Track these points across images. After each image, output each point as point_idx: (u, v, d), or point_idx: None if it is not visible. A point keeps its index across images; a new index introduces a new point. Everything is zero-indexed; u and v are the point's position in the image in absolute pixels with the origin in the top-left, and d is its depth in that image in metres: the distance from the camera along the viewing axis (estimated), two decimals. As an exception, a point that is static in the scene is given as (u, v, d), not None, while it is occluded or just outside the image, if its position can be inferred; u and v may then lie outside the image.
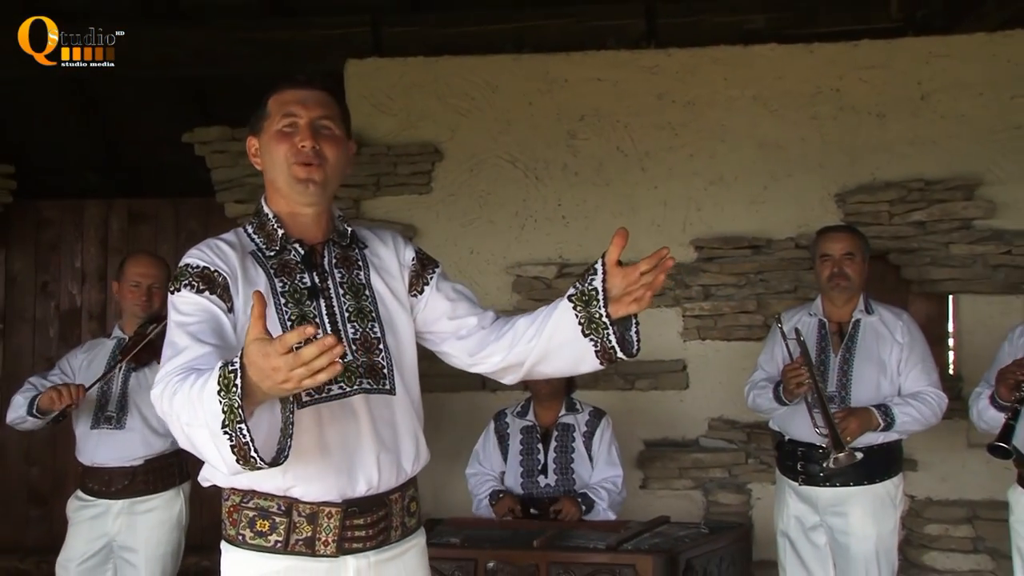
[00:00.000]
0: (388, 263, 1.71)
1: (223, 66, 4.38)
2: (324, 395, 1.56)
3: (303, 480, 1.54)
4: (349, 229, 1.71)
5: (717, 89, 3.94)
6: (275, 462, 1.38)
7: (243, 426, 1.32)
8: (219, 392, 1.32)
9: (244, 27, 4.31)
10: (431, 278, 1.73)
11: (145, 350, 2.88)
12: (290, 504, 1.56)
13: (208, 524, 4.35)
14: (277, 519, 1.56)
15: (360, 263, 1.69)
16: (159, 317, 2.94)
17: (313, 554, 1.56)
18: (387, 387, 1.62)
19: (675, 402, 3.90)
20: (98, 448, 2.91)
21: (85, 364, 3.01)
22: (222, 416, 1.32)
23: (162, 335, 2.82)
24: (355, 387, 1.58)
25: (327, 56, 4.14)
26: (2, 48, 4.01)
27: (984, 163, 3.79)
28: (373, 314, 1.65)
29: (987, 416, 2.76)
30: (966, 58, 3.81)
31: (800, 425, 2.94)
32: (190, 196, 4.46)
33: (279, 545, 1.55)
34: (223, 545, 1.60)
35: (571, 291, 1.58)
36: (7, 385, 4.40)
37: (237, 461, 1.35)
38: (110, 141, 5.16)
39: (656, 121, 3.97)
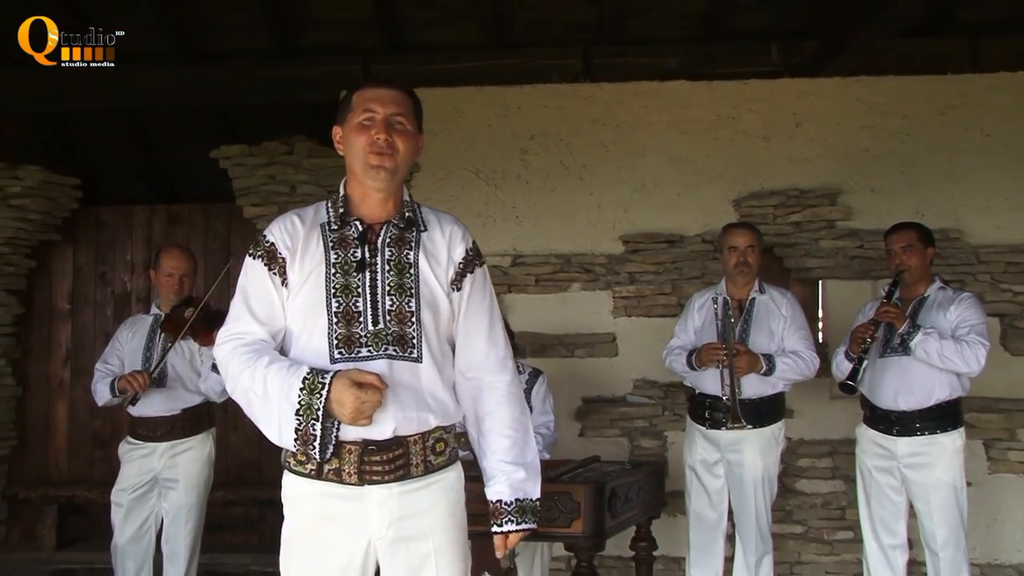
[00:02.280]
0: (439, 251, 1.55)
1: (244, 97, 4.33)
2: (353, 356, 1.48)
3: None
4: (408, 213, 1.56)
5: (639, 115, 3.92)
6: (323, 458, 1.44)
7: (317, 423, 1.40)
8: (302, 389, 1.41)
9: (260, 66, 4.25)
10: (466, 284, 1.56)
11: (179, 329, 2.88)
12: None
13: (231, 466, 4.31)
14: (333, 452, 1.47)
15: (413, 244, 1.54)
16: (191, 299, 2.96)
17: (341, 482, 1.47)
18: (414, 356, 1.49)
19: (607, 367, 3.86)
20: (147, 403, 2.91)
21: (130, 336, 3.03)
22: (297, 406, 1.41)
23: (199, 318, 2.77)
24: (380, 353, 1.48)
25: (326, 88, 4.06)
26: (72, 86, 4.11)
27: (843, 177, 3.80)
28: (412, 290, 1.51)
29: (843, 367, 2.87)
30: (828, 96, 3.82)
31: (709, 382, 2.98)
32: (217, 202, 4.40)
33: (313, 472, 1.48)
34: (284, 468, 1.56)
35: (497, 499, 1.55)
36: (76, 354, 4.46)
37: (296, 442, 1.42)
38: (155, 158, 5.11)
39: (591, 140, 3.93)
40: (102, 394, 2.93)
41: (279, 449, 3.71)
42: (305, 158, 3.96)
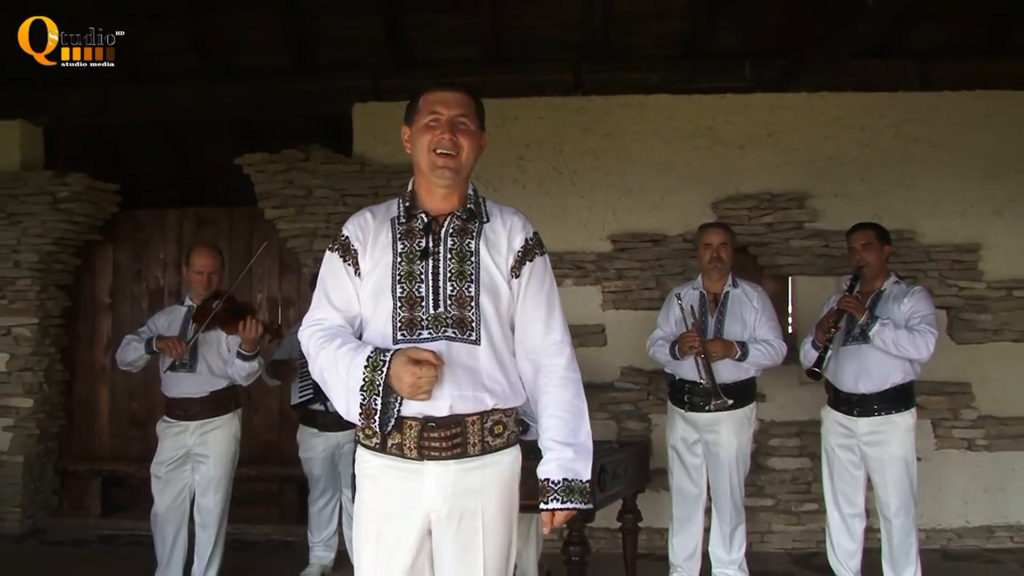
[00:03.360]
0: (499, 241, 1.49)
1: (265, 109, 4.29)
2: (414, 338, 1.44)
3: None
4: (470, 206, 1.51)
5: (626, 126, 3.90)
6: (383, 431, 1.42)
7: (378, 398, 1.38)
8: (365, 367, 1.39)
9: (281, 81, 4.21)
10: (524, 271, 1.48)
11: (211, 320, 2.87)
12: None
13: (254, 445, 4.30)
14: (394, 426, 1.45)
15: (475, 234, 1.48)
16: (219, 293, 2.95)
17: (403, 456, 1.44)
18: (472, 338, 1.44)
19: (596, 355, 3.83)
20: (178, 385, 2.94)
21: (166, 324, 3.03)
22: (361, 382, 1.39)
23: (224, 309, 2.72)
24: (439, 335, 1.43)
25: (340, 101, 4.07)
26: (114, 101, 4.14)
27: (809, 182, 3.79)
28: (472, 276, 1.45)
29: (810, 355, 2.87)
30: (796, 109, 3.82)
31: (687, 369, 2.97)
32: (241, 205, 4.35)
33: (377, 446, 1.45)
34: None
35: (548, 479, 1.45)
36: (116, 344, 4.44)
37: (360, 415, 1.40)
38: (185, 166, 5.07)
39: (582, 148, 3.91)
40: (135, 350, 2.90)
41: (295, 431, 3.66)
42: (320, 164, 3.92)
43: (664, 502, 3.22)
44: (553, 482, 1.44)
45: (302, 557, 3.29)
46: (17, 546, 3.84)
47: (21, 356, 4.08)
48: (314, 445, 3.17)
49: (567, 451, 1.45)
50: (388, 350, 1.40)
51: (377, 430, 1.40)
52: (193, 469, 2.95)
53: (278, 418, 4.29)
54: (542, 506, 1.45)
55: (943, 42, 3.93)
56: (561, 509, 1.44)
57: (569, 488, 1.44)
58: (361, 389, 1.38)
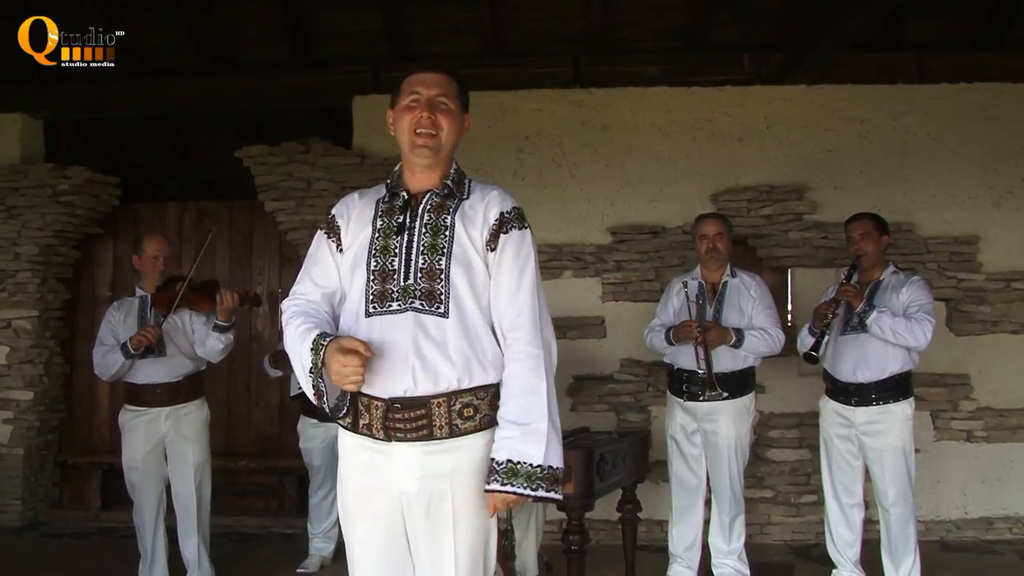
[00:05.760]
0: (475, 215, 1.47)
1: (265, 103, 4.26)
2: (384, 310, 1.43)
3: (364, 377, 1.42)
4: (448, 183, 1.50)
5: (625, 118, 3.87)
6: (333, 412, 1.44)
7: (321, 380, 1.40)
8: (312, 349, 1.40)
9: (281, 75, 4.19)
10: (499, 245, 1.44)
11: (172, 302, 2.85)
12: (356, 396, 1.44)
13: (254, 438, 4.26)
14: (349, 407, 1.46)
15: (451, 210, 1.47)
16: (173, 277, 2.95)
17: (372, 437, 1.44)
18: (440, 311, 1.41)
19: (596, 347, 3.82)
20: (147, 372, 2.87)
21: (121, 318, 2.96)
22: (311, 364, 1.40)
23: (190, 288, 2.80)
24: (407, 306, 1.42)
25: (340, 94, 4.04)
26: (115, 95, 4.13)
27: (808, 175, 3.77)
28: (444, 250, 1.43)
29: (807, 341, 2.87)
30: (794, 102, 3.80)
31: (686, 358, 2.96)
32: (241, 198, 4.33)
33: (351, 425, 1.46)
34: None
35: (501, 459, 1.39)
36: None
37: (313, 395, 1.43)
38: (186, 159, 5.04)
39: (581, 141, 3.88)
40: (114, 362, 2.82)
41: (295, 424, 3.65)
42: (320, 157, 3.89)
43: (664, 494, 3.20)
44: (496, 462, 1.37)
45: (302, 550, 3.28)
46: (17, 538, 3.82)
47: (21, 349, 4.06)
48: (314, 436, 3.15)
49: (513, 430, 1.37)
50: (328, 336, 1.39)
51: (327, 408, 1.41)
52: (167, 458, 2.90)
53: (278, 411, 4.26)
54: (485, 487, 1.38)
55: (941, 35, 3.92)
56: (500, 491, 1.35)
57: (512, 471, 1.35)
58: (310, 371, 1.40)
